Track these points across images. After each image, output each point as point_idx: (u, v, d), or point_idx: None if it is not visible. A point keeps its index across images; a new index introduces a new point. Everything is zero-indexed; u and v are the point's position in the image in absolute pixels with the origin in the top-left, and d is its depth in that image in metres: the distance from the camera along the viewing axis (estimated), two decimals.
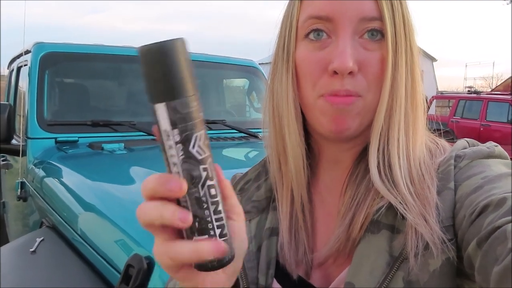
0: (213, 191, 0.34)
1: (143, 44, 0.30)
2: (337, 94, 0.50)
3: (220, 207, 0.34)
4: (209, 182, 0.33)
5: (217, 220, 0.34)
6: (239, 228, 0.39)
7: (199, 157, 0.32)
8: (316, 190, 0.59)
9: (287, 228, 0.56)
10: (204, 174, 0.33)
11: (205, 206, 0.33)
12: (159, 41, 0.30)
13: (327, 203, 0.58)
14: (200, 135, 0.32)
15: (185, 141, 0.32)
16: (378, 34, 0.50)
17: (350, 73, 0.48)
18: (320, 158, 0.59)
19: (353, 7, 0.49)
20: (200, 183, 0.33)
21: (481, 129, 8.69)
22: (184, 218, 0.33)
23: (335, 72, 0.49)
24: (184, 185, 0.32)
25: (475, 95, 9.70)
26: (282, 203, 0.57)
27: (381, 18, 0.49)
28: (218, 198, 0.34)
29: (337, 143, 0.55)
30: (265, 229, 0.57)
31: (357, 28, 0.49)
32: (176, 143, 0.32)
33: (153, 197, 0.33)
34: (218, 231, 0.34)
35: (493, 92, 12.89)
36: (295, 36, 0.53)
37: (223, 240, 0.34)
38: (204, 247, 0.33)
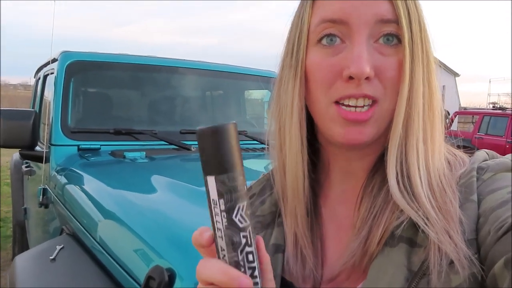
0: (250, 257, 0.37)
1: (201, 126, 0.35)
2: (353, 96, 0.47)
3: (256, 273, 0.37)
4: (247, 249, 0.36)
5: (253, 284, 0.37)
6: None
7: (240, 225, 0.36)
8: (326, 203, 0.56)
9: (293, 243, 0.53)
10: (243, 240, 0.36)
11: (243, 270, 0.36)
12: (214, 124, 0.35)
13: (338, 216, 0.55)
14: (243, 205, 0.36)
15: (229, 210, 0.35)
16: (394, 38, 0.47)
17: (367, 78, 0.46)
18: (330, 169, 0.56)
19: (368, 9, 0.46)
20: (240, 249, 0.36)
21: (507, 146, 8.44)
22: None
23: (351, 78, 0.46)
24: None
25: (500, 111, 9.46)
26: (287, 217, 0.54)
27: (397, 21, 0.46)
28: (255, 264, 0.37)
29: (349, 152, 0.52)
30: (270, 245, 0.54)
31: (373, 31, 0.47)
32: (222, 211, 0.35)
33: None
34: None
35: None
36: (305, 41, 0.50)
37: None
38: None
